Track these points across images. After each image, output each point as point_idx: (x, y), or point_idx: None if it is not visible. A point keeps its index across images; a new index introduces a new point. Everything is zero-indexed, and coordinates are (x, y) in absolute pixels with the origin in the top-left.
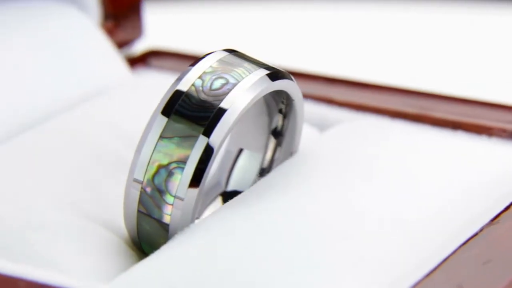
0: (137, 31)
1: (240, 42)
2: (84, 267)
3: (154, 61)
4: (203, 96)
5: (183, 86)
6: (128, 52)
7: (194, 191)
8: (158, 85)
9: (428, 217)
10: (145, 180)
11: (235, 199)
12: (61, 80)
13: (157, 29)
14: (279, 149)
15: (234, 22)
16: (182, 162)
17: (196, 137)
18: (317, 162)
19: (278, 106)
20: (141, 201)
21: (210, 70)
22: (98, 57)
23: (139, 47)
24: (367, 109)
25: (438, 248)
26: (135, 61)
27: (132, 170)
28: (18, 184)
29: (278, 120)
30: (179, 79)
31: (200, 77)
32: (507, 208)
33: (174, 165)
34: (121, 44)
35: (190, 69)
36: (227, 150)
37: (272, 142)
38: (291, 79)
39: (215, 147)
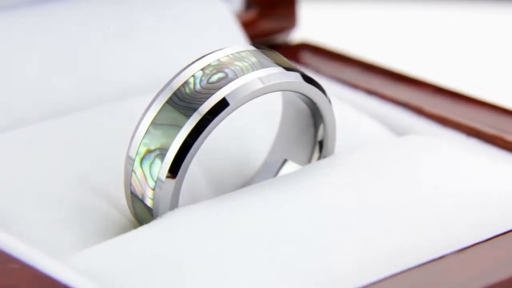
0: (289, 22)
1: (387, 42)
2: (70, 240)
3: (305, 54)
4: (197, 88)
5: (184, 76)
6: (277, 40)
7: (171, 180)
8: None
9: (402, 236)
10: (135, 162)
11: (231, 193)
12: (180, 63)
13: (312, 23)
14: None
15: (389, 21)
16: (165, 150)
17: (180, 127)
18: (337, 167)
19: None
20: (132, 183)
21: (215, 63)
22: (223, 43)
23: (287, 38)
24: (448, 123)
25: (382, 269)
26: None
27: (128, 148)
28: (39, 159)
29: (322, 130)
30: (183, 69)
31: (202, 69)
32: (484, 241)
33: (157, 152)
34: (267, 34)
35: (198, 60)
36: (270, 160)
37: (317, 154)
38: (306, 82)
39: (195, 140)
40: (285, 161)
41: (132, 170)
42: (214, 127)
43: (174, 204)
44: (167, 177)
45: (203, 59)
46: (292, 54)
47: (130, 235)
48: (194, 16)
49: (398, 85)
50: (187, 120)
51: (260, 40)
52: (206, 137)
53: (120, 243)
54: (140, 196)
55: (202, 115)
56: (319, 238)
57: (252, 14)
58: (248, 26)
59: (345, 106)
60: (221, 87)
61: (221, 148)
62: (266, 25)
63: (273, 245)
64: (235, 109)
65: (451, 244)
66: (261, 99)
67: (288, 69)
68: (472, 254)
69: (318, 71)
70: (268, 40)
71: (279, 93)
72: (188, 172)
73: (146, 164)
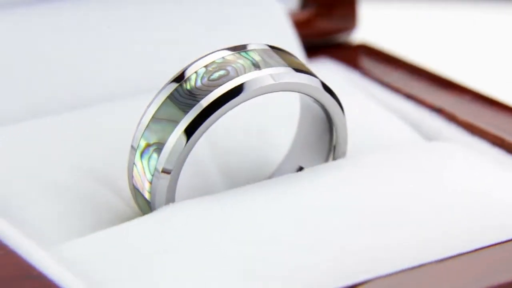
0: (349, 22)
1: (446, 43)
2: (72, 229)
3: (362, 55)
4: (198, 85)
5: (187, 72)
6: (336, 41)
7: (166, 175)
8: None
9: (388, 241)
10: (136, 155)
11: (230, 191)
12: None
13: (376, 24)
14: None
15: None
16: (162, 144)
17: (177, 123)
18: (344, 169)
19: None
20: (133, 175)
21: (220, 60)
22: (271, 41)
23: (348, 39)
24: (476, 130)
25: (359, 274)
26: (320, 51)
27: (132, 140)
28: (47, 152)
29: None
30: (188, 66)
31: (206, 66)
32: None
33: (155, 146)
34: (324, 34)
35: (203, 57)
36: (286, 165)
37: (332, 159)
38: (307, 83)
39: (191, 136)
40: (301, 168)
41: (134, 163)
42: (211, 124)
43: (170, 198)
44: (162, 171)
45: (208, 56)
46: (350, 55)
47: (118, 228)
48: (244, 12)
49: (438, 90)
50: (184, 116)
51: (317, 40)
52: (202, 133)
53: (106, 235)
54: (140, 189)
55: (198, 112)
56: (301, 239)
57: (308, 13)
58: (303, 26)
59: (379, 108)
60: (219, 85)
61: (240, 145)
62: (323, 25)
63: (251, 244)
64: (231, 108)
65: (438, 253)
66: (288, 100)
67: (297, 70)
68: (465, 260)
69: (366, 73)
70: (325, 40)
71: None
72: (203, 167)
73: (145, 157)
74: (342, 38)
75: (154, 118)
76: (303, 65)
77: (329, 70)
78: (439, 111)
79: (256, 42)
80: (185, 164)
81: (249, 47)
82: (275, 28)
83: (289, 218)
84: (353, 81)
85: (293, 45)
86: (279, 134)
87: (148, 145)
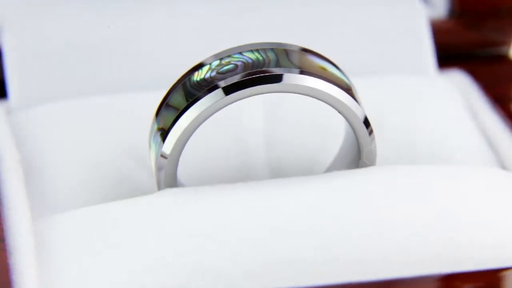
0: (504, 36)
1: None
2: (88, 200)
3: (497, 73)
4: (206, 77)
5: (203, 63)
6: (491, 54)
7: (164, 159)
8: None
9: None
10: (151, 138)
11: (229, 185)
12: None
13: None
14: None
15: None
16: (164, 130)
17: (179, 111)
18: (339, 178)
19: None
20: (150, 156)
21: (237, 56)
22: (400, 41)
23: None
24: None
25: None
26: (461, 63)
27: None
28: (90, 128)
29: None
30: (208, 57)
31: (221, 59)
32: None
33: (161, 131)
34: (472, 45)
35: (223, 50)
36: None
37: None
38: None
39: (188, 125)
40: None
41: (150, 145)
42: (207, 116)
43: (171, 182)
44: (161, 155)
45: (227, 50)
46: (484, 69)
47: (104, 205)
48: (381, 10)
49: None
50: (185, 105)
51: (461, 51)
52: (199, 124)
53: (92, 211)
54: (153, 170)
55: (196, 103)
56: (266, 240)
57: (454, 22)
58: (447, 35)
59: (470, 127)
60: (222, 79)
61: (294, 140)
62: (471, 36)
63: (205, 238)
64: (229, 103)
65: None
66: None
67: (310, 74)
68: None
69: (489, 90)
70: (476, 52)
71: None
72: (253, 158)
73: (155, 141)
74: (501, 51)
75: (166, 104)
76: (324, 70)
77: (448, 81)
78: None
79: (290, 42)
80: (234, 151)
81: (266, 46)
82: (409, 30)
83: (266, 219)
84: (468, 96)
85: (426, 51)
86: (338, 137)
87: (158, 129)
